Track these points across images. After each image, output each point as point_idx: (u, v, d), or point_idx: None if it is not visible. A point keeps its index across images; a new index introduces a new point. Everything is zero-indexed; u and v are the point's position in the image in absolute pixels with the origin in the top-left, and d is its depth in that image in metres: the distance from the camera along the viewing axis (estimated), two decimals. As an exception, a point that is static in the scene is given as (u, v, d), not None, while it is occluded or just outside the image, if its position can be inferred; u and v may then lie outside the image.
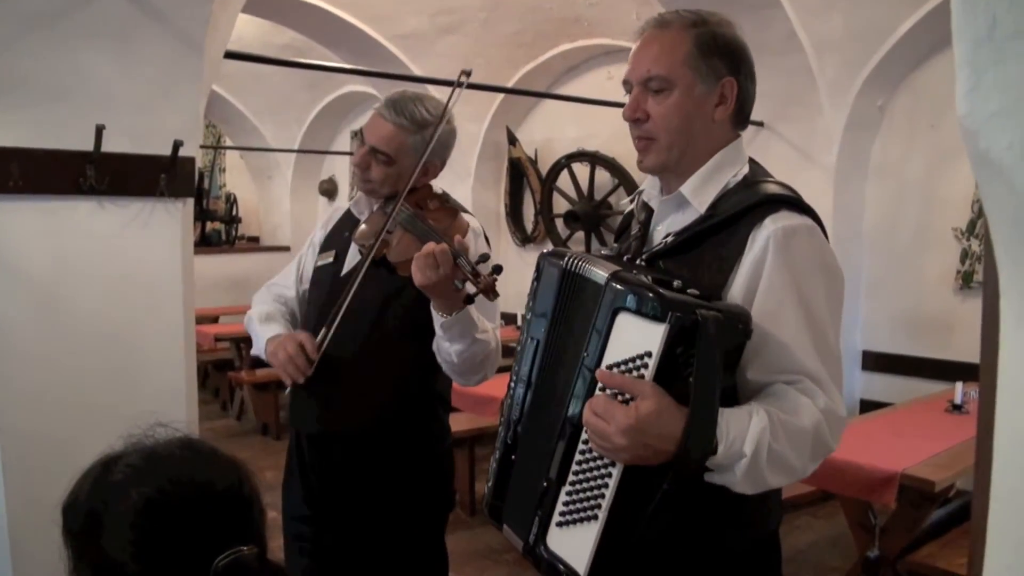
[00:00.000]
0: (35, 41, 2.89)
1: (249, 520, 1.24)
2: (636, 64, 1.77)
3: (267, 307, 2.81)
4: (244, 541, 1.21)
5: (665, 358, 1.46)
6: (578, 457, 1.59)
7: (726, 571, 1.73)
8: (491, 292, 2.22)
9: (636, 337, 1.49)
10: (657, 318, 1.45)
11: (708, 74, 1.73)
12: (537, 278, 1.79)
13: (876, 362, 6.52)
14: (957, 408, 4.74)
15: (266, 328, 2.70)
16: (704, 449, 1.48)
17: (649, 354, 1.46)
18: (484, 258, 2.25)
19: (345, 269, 2.66)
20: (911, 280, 6.30)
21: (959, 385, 4.86)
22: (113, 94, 3.07)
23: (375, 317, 2.57)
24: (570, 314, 1.67)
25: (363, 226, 2.64)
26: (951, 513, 4.18)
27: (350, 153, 2.71)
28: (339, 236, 2.76)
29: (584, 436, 1.56)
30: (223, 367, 8.89)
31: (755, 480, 1.53)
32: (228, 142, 12.37)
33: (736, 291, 1.65)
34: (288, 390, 2.66)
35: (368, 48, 7.72)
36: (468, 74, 2.58)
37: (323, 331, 2.51)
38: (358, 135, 2.64)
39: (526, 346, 1.76)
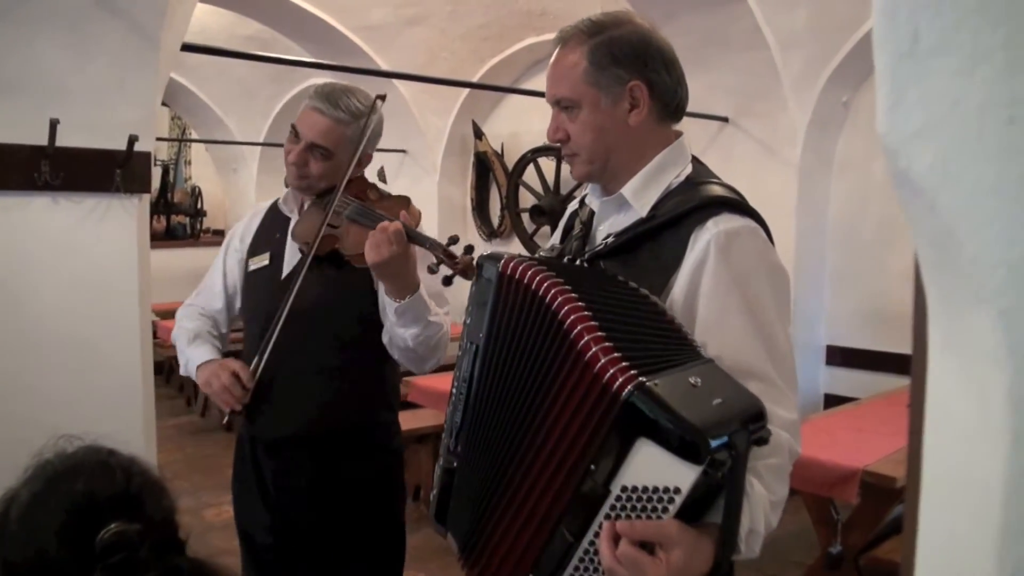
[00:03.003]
0: (-15, 32, 2.84)
1: (140, 514, 1.22)
2: (548, 86, 1.80)
3: (193, 324, 2.75)
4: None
5: (693, 491, 1.33)
6: (577, 564, 1.47)
7: None
8: (469, 271, 2.19)
9: (662, 470, 1.34)
10: (691, 460, 1.30)
11: (610, 85, 1.72)
12: (476, 282, 1.72)
13: (840, 356, 6.55)
14: (919, 403, 4.75)
15: (195, 350, 2.65)
16: (729, 558, 1.42)
17: (678, 491, 1.32)
18: (454, 240, 2.27)
19: (286, 270, 2.62)
20: (875, 275, 6.33)
21: (921, 380, 4.87)
22: (67, 86, 3.02)
23: (322, 315, 2.54)
24: (528, 343, 1.56)
25: (298, 224, 2.61)
26: (912, 508, 4.20)
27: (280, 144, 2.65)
28: (270, 237, 2.71)
29: (588, 546, 1.44)
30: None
31: (767, 534, 1.51)
32: (193, 134, 12.25)
33: (676, 293, 1.63)
34: (226, 418, 2.55)
35: (333, 40, 7.65)
36: (383, 98, 2.59)
37: (256, 359, 2.48)
38: (292, 131, 2.59)
39: (466, 350, 1.71)
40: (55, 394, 3.06)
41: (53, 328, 3.11)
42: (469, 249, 2.25)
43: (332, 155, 2.55)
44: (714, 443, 1.30)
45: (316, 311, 2.52)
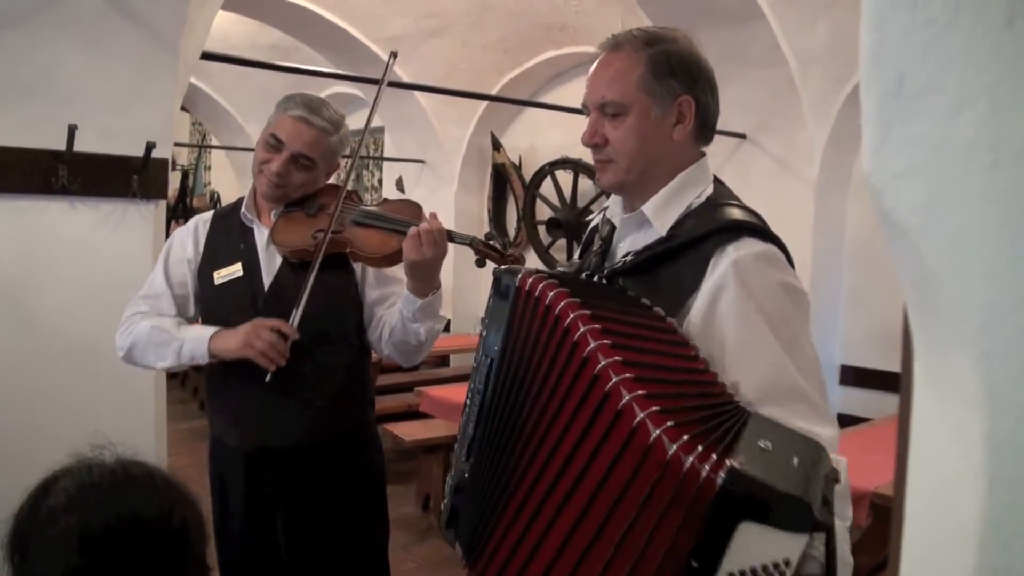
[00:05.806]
0: (6, 37, 2.86)
1: (177, 552, 1.22)
2: (591, 89, 1.77)
3: (158, 318, 2.58)
4: (168, 572, 1.19)
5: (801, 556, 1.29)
6: None
7: None
8: (520, 263, 2.31)
9: (770, 547, 1.27)
10: (799, 531, 1.27)
11: (663, 95, 1.71)
12: (493, 294, 1.72)
13: (854, 376, 6.52)
14: (932, 425, 4.71)
15: (191, 331, 2.53)
16: None
17: (788, 562, 1.27)
18: (489, 236, 2.38)
19: (266, 278, 2.56)
20: (891, 295, 6.27)
21: (934, 402, 4.83)
22: (86, 92, 3.05)
23: (326, 318, 2.53)
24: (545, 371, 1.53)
25: (279, 232, 2.55)
26: (922, 531, 4.16)
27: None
28: (232, 247, 2.62)
29: None
30: (201, 367, 8.78)
31: None
32: (213, 140, 12.30)
33: (694, 316, 1.61)
34: (268, 376, 2.39)
35: (353, 50, 7.69)
36: (395, 55, 2.61)
37: (293, 312, 2.41)
38: (272, 140, 2.53)
39: (481, 362, 1.71)
40: (68, 397, 3.08)
41: (67, 331, 3.13)
42: (506, 245, 2.34)
43: (315, 165, 2.56)
44: (815, 507, 1.26)
45: (319, 314, 2.49)
